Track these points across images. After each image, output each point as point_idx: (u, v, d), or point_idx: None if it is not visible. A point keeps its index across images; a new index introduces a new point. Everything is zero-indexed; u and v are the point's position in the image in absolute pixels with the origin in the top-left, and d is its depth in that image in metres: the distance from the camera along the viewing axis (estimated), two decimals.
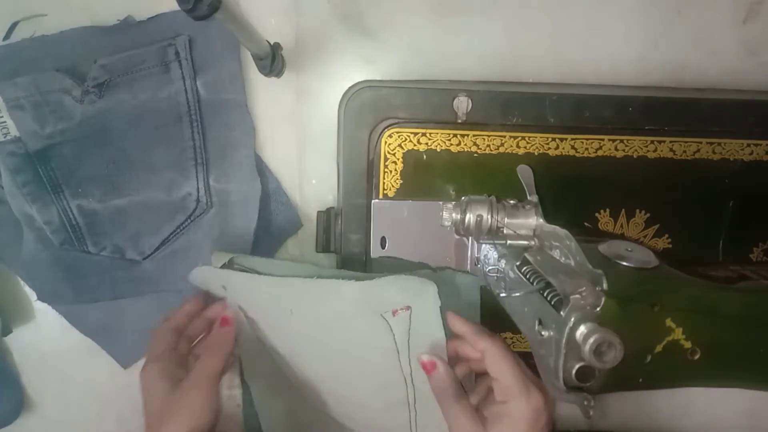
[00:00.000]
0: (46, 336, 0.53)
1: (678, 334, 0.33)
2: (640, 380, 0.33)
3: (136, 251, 0.50)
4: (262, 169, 0.50)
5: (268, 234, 0.51)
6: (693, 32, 0.48)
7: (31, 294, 0.52)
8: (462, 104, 0.45)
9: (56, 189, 0.48)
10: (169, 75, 0.47)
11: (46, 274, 0.50)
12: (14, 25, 0.47)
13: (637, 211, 0.48)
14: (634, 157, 0.46)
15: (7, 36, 0.47)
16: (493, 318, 0.46)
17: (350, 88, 0.46)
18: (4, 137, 0.47)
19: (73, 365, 0.55)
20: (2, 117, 0.46)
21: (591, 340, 0.29)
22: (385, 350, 0.45)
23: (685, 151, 0.46)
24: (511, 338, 0.50)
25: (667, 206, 0.48)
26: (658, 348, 0.33)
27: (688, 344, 0.33)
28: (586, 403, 0.31)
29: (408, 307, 0.44)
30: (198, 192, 0.49)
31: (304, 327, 0.46)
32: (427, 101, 0.46)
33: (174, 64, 0.47)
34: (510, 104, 0.45)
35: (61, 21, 0.47)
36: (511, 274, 0.39)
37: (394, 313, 0.44)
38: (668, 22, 0.48)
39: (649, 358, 0.33)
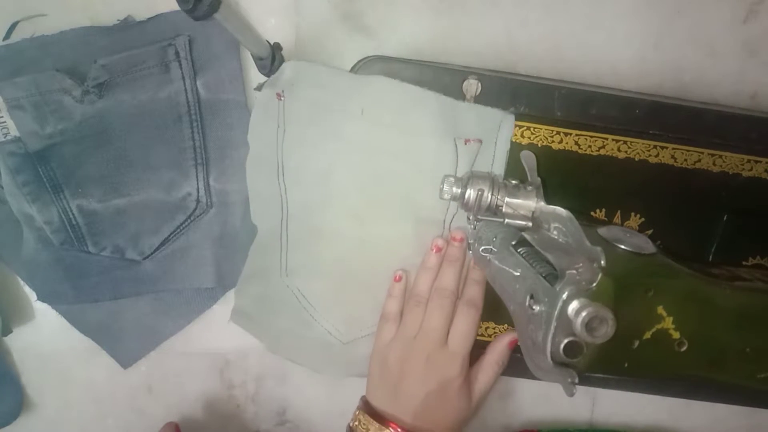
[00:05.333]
0: (46, 336, 0.53)
1: (668, 323, 0.33)
2: (626, 365, 0.33)
3: (136, 251, 0.50)
4: None
5: None
6: (693, 32, 0.48)
7: (31, 294, 0.52)
8: (471, 87, 0.45)
9: (56, 189, 0.48)
10: (169, 75, 0.47)
11: (46, 274, 0.50)
12: (14, 25, 0.47)
13: (632, 214, 0.48)
14: (636, 159, 0.46)
15: (7, 36, 0.47)
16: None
17: (360, 60, 0.46)
18: (4, 137, 0.47)
19: (73, 365, 0.55)
20: (2, 117, 0.46)
21: (584, 313, 0.30)
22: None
23: (686, 160, 0.46)
24: (494, 328, 0.51)
25: (662, 212, 0.48)
26: (647, 335, 0.33)
27: (676, 335, 0.33)
28: (570, 380, 0.31)
29: (480, 141, 0.45)
30: (198, 192, 0.49)
31: (367, 132, 0.46)
32: (436, 79, 0.46)
33: (174, 64, 0.47)
34: (519, 93, 0.45)
35: (61, 21, 0.47)
36: (506, 253, 0.40)
37: (466, 141, 0.45)
38: (668, 22, 0.48)
39: (636, 343, 0.33)
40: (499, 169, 0.46)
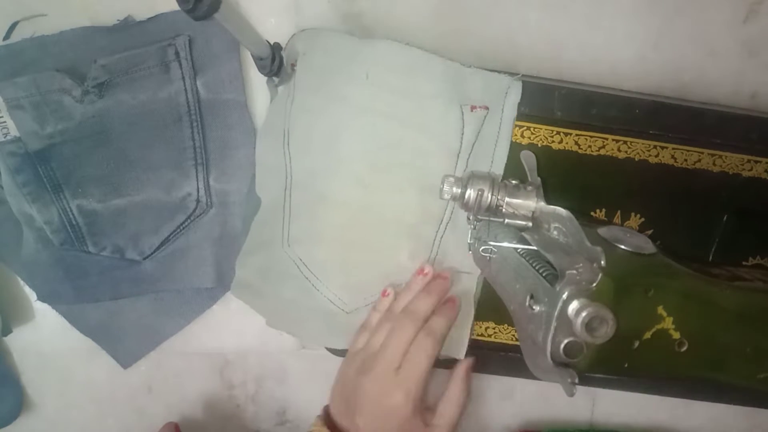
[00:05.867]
0: (46, 336, 0.53)
1: (668, 323, 0.33)
2: (626, 365, 0.33)
3: (136, 251, 0.50)
4: None
5: None
6: (693, 32, 0.48)
7: (31, 294, 0.52)
8: None
9: (56, 189, 0.48)
10: (169, 75, 0.47)
11: (46, 274, 0.50)
12: (14, 25, 0.47)
13: (633, 214, 0.48)
14: (636, 159, 0.46)
15: (7, 36, 0.47)
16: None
17: None
18: (4, 137, 0.47)
19: (73, 365, 0.55)
20: (2, 117, 0.46)
21: (584, 314, 0.30)
22: (448, 148, 0.45)
23: (686, 160, 0.46)
24: (494, 329, 0.51)
25: (662, 212, 0.48)
26: (647, 335, 0.33)
27: (676, 335, 0.33)
28: (570, 380, 0.31)
29: (486, 108, 0.45)
30: (198, 192, 0.49)
31: (372, 96, 0.45)
32: None
33: (174, 64, 0.47)
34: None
35: (61, 21, 0.47)
36: (506, 253, 0.40)
37: (472, 108, 0.44)
38: (668, 22, 0.48)
39: (636, 343, 0.33)
40: (505, 136, 0.45)
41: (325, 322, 0.49)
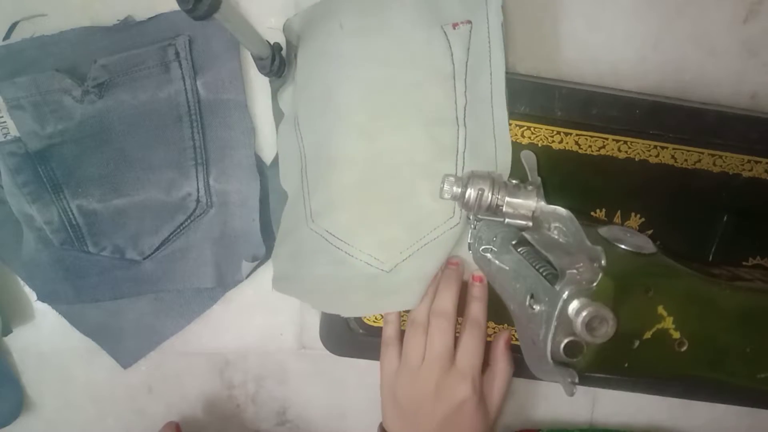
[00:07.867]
0: (46, 336, 0.53)
1: (668, 323, 0.33)
2: (626, 365, 0.33)
3: (136, 251, 0.50)
4: (262, 169, 0.50)
5: (267, 234, 0.51)
6: (693, 32, 0.48)
7: (31, 294, 0.52)
8: None
9: (56, 189, 0.48)
10: (169, 75, 0.47)
11: (46, 274, 0.50)
12: (14, 25, 0.47)
13: (633, 214, 0.48)
14: (636, 159, 0.46)
15: (7, 36, 0.47)
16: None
17: None
18: (4, 137, 0.47)
19: (73, 365, 0.55)
20: (2, 117, 0.46)
21: (584, 313, 0.30)
22: (441, 74, 0.43)
23: (686, 160, 0.46)
24: (493, 328, 0.50)
25: (662, 212, 0.48)
26: (647, 334, 0.33)
27: (677, 335, 0.33)
28: (570, 380, 0.31)
29: (469, 22, 0.43)
30: (198, 192, 0.49)
31: (352, 45, 0.44)
32: None
33: (174, 64, 0.47)
34: (519, 92, 0.45)
35: (61, 21, 0.47)
36: (506, 253, 0.40)
37: (454, 26, 0.43)
38: (668, 22, 0.48)
39: (636, 343, 0.33)
40: (497, 44, 0.43)
41: (368, 288, 0.46)
